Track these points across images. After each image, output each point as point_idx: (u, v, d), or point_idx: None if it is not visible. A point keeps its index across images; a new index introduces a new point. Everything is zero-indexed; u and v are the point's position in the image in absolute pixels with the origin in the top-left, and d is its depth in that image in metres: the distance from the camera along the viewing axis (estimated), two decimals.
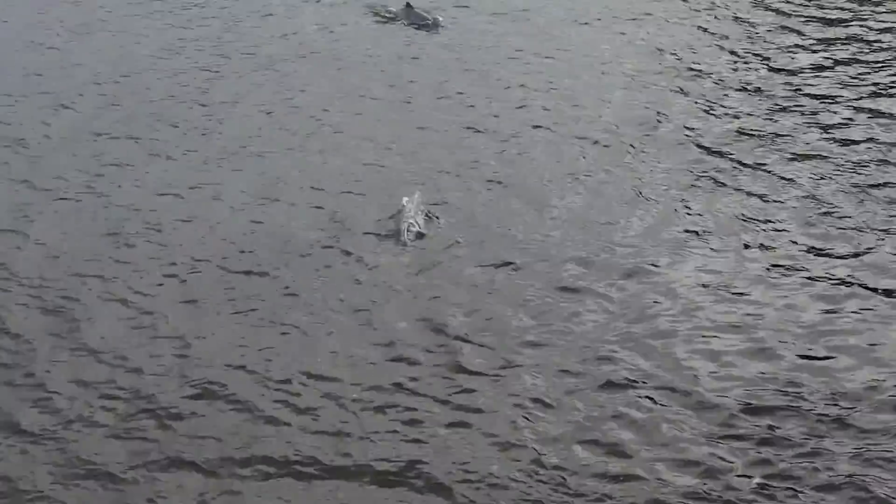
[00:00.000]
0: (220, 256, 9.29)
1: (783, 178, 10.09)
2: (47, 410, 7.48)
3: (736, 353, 7.65)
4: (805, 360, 7.57)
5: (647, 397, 7.27)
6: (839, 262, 8.72)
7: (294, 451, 6.98)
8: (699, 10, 14.99)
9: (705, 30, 14.25)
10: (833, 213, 9.40)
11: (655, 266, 8.79)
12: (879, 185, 9.78)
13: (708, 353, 7.68)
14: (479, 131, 11.56)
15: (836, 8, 14.65)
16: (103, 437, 7.20)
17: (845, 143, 10.67)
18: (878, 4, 14.57)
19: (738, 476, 6.56)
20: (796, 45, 13.40)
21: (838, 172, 10.09)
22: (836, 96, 11.78)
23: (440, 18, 14.83)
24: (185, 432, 7.20)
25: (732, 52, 13.37)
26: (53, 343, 8.21)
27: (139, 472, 6.90)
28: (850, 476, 6.51)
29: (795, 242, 9.03)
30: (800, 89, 12.05)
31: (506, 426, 7.08)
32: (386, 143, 11.29)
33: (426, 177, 10.40)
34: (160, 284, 8.93)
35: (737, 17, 14.64)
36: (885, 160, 10.19)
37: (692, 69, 12.93)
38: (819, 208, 9.51)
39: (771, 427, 6.94)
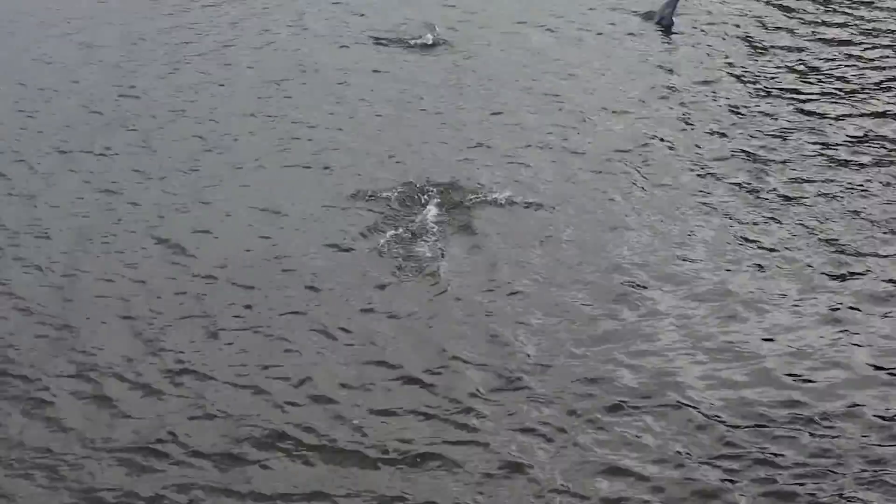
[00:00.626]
0: (230, 274, 9.37)
1: (789, 199, 10.21)
2: (61, 429, 7.57)
3: (738, 373, 7.76)
4: (806, 381, 7.67)
5: (647, 417, 7.38)
6: (841, 282, 8.84)
7: (304, 475, 7.09)
8: (708, 29, 15.10)
9: (713, 47, 14.36)
10: (837, 235, 9.52)
11: (660, 287, 8.89)
12: (883, 207, 9.91)
13: (710, 374, 7.79)
14: (484, 147, 11.62)
15: (848, 28, 14.77)
16: (116, 456, 7.29)
17: (851, 164, 10.80)
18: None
19: (739, 495, 6.65)
20: (806, 66, 13.51)
21: (845, 194, 10.22)
22: (843, 116, 11.91)
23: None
24: (199, 452, 7.29)
25: (740, 71, 13.47)
26: (69, 363, 8.29)
27: (153, 490, 6.99)
28: (849, 498, 6.61)
29: (798, 262, 9.15)
30: (807, 110, 12.17)
31: (509, 448, 7.17)
32: (392, 162, 11.36)
33: (433, 195, 10.45)
34: (173, 302, 9.02)
35: (744, 37, 14.74)
36: (890, 183, 10.32)
37: (701, 86, 13.05)
38: (823, 230, 9.63)
39: (770, 446, 7.04)
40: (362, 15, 16.23)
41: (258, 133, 12.31)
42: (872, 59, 13.51)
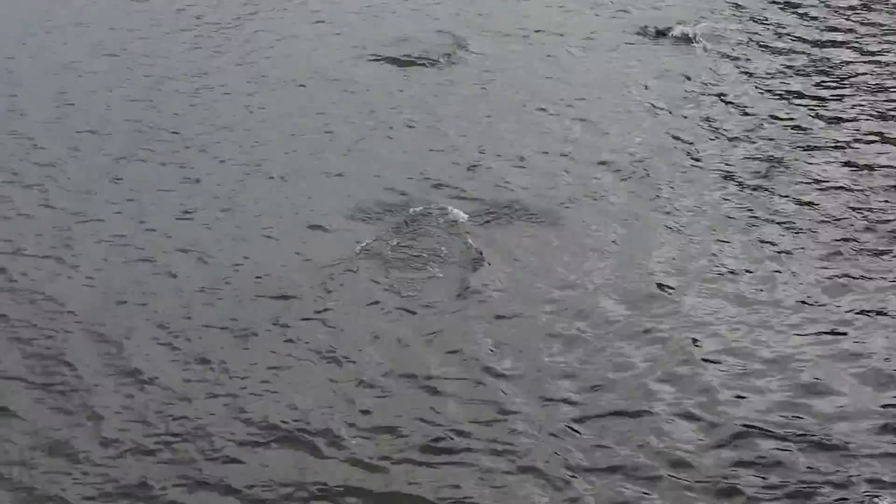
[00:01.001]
0: (255, 280, 9.57)
1: (810, 207, 10.36)
2: (96, 435, 7.78)
3: (751, 380, 7.93)
4: (817, 387, 7.83)
5: (662, 422, 7.56)
6: (863, 290, 9.00)
7: (330, 479, 7.27)
8: (723, 37, 15.17)
9: (728, 56, 14.45)
10: (858, 244, 9.65)
11: (682, 295, 9.04)
12: None
13: (734, 381, 7.94)
14: (499, 157, 11.76)
15: (863, 36, 14.87)
16: (149, 461, 7.52)
17: (871, 172, 10.95)
18: None
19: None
20: (821, 73, 13.64)
21: (863, 203, 10.36)
22: (859, 124, 12.07)
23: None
24: (227, 458, 7.51)
25: (755, 78, 13.59)
26: (100, 369, 8.50)
27: (182, 494, 7.21)
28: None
29: (810, 270, 9.29)
30: (824, 117, 12.30)
31: (533, 454, 7.34)
32: (409, 170, 11.53)
33: (453, 203, 10.63)
34: (199, 309, 9.21)
35: (760, 45, 14.84)
36: None
37: (716, 95, 13.15)
38: (844, 239, 9.77)
39: (781, 453, 7.20)
40: (378, 25, 16.33)
41: (281, 142, 12.46)
42: (889, 63, 13.61)
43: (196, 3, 17.65)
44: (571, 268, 9.56)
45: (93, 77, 14.71)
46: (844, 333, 8.46)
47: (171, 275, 9.74)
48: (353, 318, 8.97)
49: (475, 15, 16.62)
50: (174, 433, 7.74)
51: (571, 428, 7.56)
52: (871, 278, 9.16)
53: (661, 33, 15.30)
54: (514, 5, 17.13)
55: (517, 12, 16.72)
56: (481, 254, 9.70)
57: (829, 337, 8.43)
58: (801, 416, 7.55)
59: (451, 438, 7.53)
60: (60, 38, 16.45)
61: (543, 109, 12.97)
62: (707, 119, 12.50)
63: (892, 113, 12.33)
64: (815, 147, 11.58)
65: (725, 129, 12.17)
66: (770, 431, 7.41)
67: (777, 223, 10.11)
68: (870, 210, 10.22)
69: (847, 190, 10.63)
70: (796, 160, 11.33)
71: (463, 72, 14.36)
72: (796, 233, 9.93)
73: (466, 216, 10.27)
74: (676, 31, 15.24)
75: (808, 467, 7.09)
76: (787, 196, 10.58)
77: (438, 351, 8.49)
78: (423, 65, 14.62)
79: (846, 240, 9.75)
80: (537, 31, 15.79)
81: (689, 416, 7.60)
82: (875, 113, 12.37)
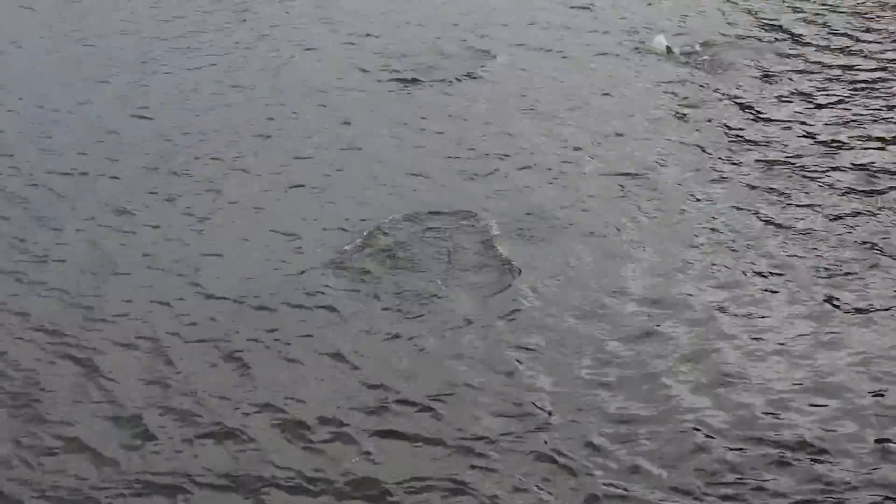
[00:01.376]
0: (279, 285, 9.76)
1: (817, 210, 10.55)
2: (124, 436, 8.07)
3: (742, 400, 8.02)
4: (810, 408, 7.92)
5: (654, 444, 7.67)
6: (869, 293, 9.17)
7: (352, 480, 7.49)
8: (733, 44, 15.32)
9: (752, 65, 14.55)
10: (843, 262, 9.72)
11: (698, 300, 9.23)
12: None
13: (715, 402, 8.05)
14: (518, 167, 11.91)
15: (872, 41, 15.03)
16: (176, 461, 7.78)
17: (878, 176, 11.13)
18: None
19: None
20: (829, 79, 13.80)
21: (869, 207, 10.55)
22: (867, 128, 12.26)
23: None
24: (253, 458, 7.75)
25: (775, 87, 13.73)
26: (127, 372, 8.75)
27: (211, 493, 7.47)
28: None
29: (802, 289, 9.37)
30: (833, 122, 12.49)
31: (567, 466, 7.51)
32: (432, 180, 11.70)
33: (479, 213, 10.81)
34: (225, 314, 9.42)
35: (772, 52, 14.98)
36: None
37: (727, 102, 13.32)
38: (851, 242, 9.95)
39: (773, 473, 7.31)
40: (368, 36, 16.46)
41: (301, 151, 12.61)
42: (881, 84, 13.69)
43: (218, 15, 17.82)
44: (590, 276, 9.70)
45: (110, 88, 14.85)
46: (849, 336, 8.65)
47: (196, 282, 9.94)
48: (378, 325, 9.15)
49: (485, 24, 16.77)
50: (201, 434, 7.98)
51: (588, 431, 7.76)
52: (875, 281, 9.35)
53: (671, 44, 15.39)
54: (521, 14, 17.26)
55: (523, 21, 16.86)
56: (510, 262, 9.90)
57: (834, 338, 8.63)
58: (804, 417, 7.76)
59: (474, 444, 7.71)
60: (75, 49, 16.56)
61: (558, 119, 13.10)
62: (720, 125, 12.63)
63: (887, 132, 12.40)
64: (823, 152, 11.76)
65: (740, 137, 12.31)
66: (776, 434, 7.61)
67: (787, 227, 10.30)
68: (875, 215, 10.42)
69: (855, 193, 10.82)
70: (804, 165, 11.51)
71: (477, 83, 14.46)
72: (805, 236, 10.11)
73: (496, 225, 10.44)
74: (687, 41, 15.36)
75: (811, 470, 7.27)
76: (795, 199, 10.78)
77: (465, 359, 8.65)
78: (440, 74, 14.73)
79: (853, 243, 9.95)
80: (546, 39, 15.93)
81: (703, 422, 7.79)
82: (882, 117, 12.52)
